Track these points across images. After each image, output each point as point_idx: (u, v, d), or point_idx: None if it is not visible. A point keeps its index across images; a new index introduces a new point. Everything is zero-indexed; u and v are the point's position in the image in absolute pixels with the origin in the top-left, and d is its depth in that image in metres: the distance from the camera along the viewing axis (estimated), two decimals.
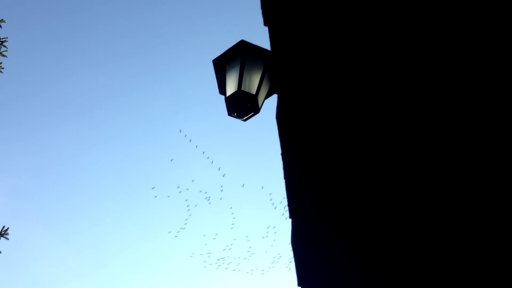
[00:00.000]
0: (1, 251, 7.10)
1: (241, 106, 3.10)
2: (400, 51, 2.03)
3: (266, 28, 2.25)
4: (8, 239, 7.11)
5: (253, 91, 3.09)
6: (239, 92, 3.06)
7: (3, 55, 7.42)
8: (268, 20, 1.98)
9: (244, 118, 3.15)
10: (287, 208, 2.65)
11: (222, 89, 3.23)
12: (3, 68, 7.40)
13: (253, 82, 3.11)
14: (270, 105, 3.25)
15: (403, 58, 2.04)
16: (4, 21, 7.49)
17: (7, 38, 7.52)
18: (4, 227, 7.10)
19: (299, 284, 2.90)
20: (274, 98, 3.27)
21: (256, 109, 3.12)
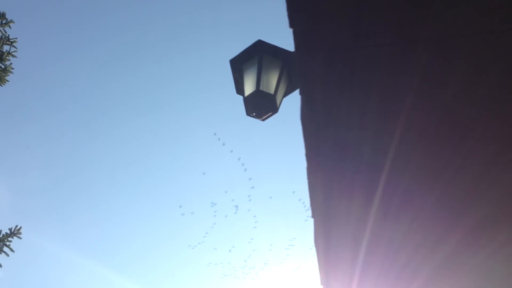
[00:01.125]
0: (14, 250, 7.14)
1: (260, 106, 3.09)
2: None
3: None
4: (21, 238, 7.14)
5: (271, 91, 3.09)
6: (257, 92, 3.06)
7: (13, 56, 7.44)
8: (293, 22, 1.98)
9: (263, 118, 3.15)
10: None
11: (239, 89, 3.23)
12: (13, 68, 7.43)
13: (271, 81, 3.10)
14: (287, 104, 3.26)
15: None
16: (13, 21, 7.50)
17: (16, 38, 7.54)
18: (16, 226, 7.13)
19: (322, 284, 2.92)
20: (291, 97, 3.27)
21: (274, 109, 3.12)
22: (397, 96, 2.23)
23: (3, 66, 7.29)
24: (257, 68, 3.09)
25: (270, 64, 3.13)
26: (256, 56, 3.13)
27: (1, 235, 7.04)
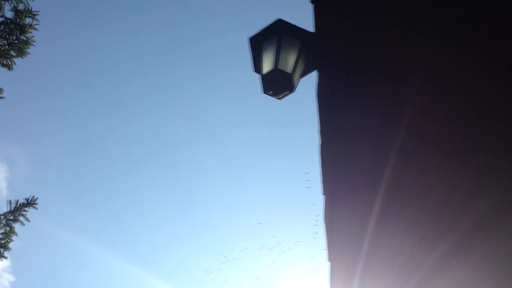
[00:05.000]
0: (30, 220, 7.29)
1: (277, 84, 3.13)
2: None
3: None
4: (36, 209, 7.29)
5: (289, 70, 3.12)
6: (275, 70, 3.09)
7: (35, 28, 7.53)
8: None
9: (279, 97, 3.19)
10: None
11: (257, 67, 3.27)
12: (34, 41, 7.52)
13: (289, 61, 3.13)
14: (305, 84, 3.29)
15: None
16: None
17: (38, 11, 7.62)
18: (33, 196, 7.28)
19: (328, 260, 2.98)
20: (309, 77, 3.30)
21: (291, 88, 3.16)
22: (404, 91, 2.28)
23: (24, 38, 7.39)
24: (276, 47, 3.12)
25: (289, 44, 3.15)
26: (276, 35, 3.16)
27: (18, 205, 7.19)
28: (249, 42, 3.24)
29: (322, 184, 2.61)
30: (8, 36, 7.32)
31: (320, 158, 2.52)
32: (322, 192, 2.65)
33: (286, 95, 3.18)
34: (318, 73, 2.32)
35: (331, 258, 2.92)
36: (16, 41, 7.35)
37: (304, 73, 3.24)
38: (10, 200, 7.10)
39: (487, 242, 2.61)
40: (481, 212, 2.48)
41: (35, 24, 7.76)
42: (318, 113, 2.38)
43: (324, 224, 2.77)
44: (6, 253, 7.06)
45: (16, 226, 7.27)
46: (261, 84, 3.17)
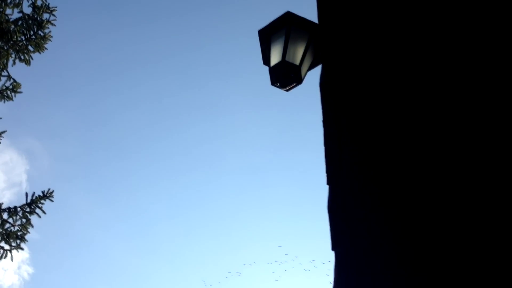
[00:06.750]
0: (46, 212, 7.40)
1: (285, 76, 3.16)
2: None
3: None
4: (52, 201, 7.40)
5: (297, 62, 3.15)
6: (283, 62, 3.13)
7: (52, 24, 7.65)
8: None
9: (287, 88, 3.22)
10: None
11: (266, 60, 3.30)
12: (51, 36, 7.64)
13: (297, 53, 3.16)
14: (312, 77, 3.32)
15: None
16: None
17: (56, 7, 7.74)
18: (49, 189, 7.39)
19: (333, 249, 3.00)
20: (317, 70, 3.33)
21: (299, 80, 3.19)
22: (409, 80, 2.29)
23: (42, 34, 7.51)
24: (284, 39, 3.16)
25: (297, 36, 3.18)
26: (284, 27, 3.20)
27: (34, 197, 7.31)
28: (258, 35, 3.28)
29: (326, 174, 2.63)
30: (26, 32, 7.45)
31: (325, 148, 2.54)
32: (327, 182, 2.67)
33: (293, 87, 3.21)
34: (322, 63, 2.35)
35: (335, 247, 2.93)
36: (34, 37, 7.47)
37: (313, 65, 3.27)
38: (26, 193, 7.22)
39: None
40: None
41: (53, 20, 7.86)
42: (322, 103, 2.40)
43: (328, 213, 2.79)
44: (23, 245, 7.18)
45: (34, 219, 7.39)
46: (270, 76, 3.21)
